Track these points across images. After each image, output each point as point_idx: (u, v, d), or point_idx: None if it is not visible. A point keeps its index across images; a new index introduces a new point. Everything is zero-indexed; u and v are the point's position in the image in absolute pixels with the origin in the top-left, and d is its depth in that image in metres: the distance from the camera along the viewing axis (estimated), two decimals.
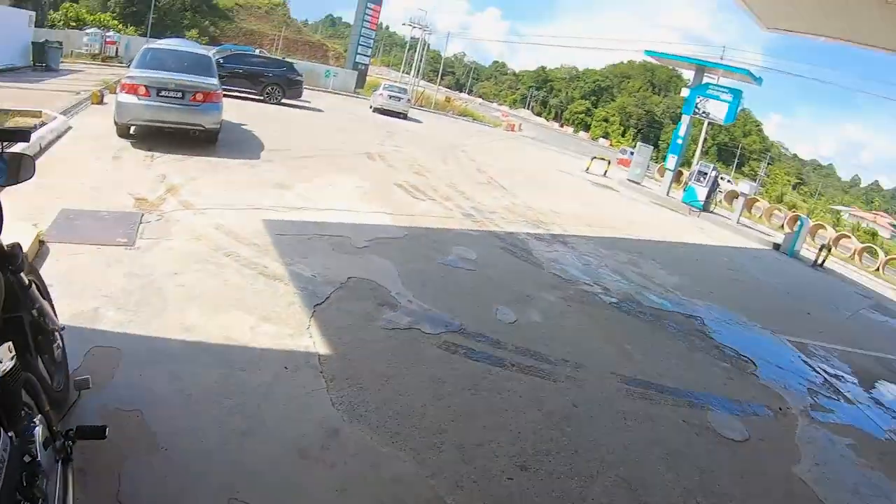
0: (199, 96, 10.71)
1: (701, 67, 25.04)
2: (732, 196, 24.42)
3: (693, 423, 5.12)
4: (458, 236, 8.91)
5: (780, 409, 6.10)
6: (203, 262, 5.91)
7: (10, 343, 2.18)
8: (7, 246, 2.50)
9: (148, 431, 3.45)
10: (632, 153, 34.96)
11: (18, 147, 5.48)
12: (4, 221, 2.51)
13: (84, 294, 4.77)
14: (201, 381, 4.00)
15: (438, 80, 64.11)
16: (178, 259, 5.86)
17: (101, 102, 14.41)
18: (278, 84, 22.65)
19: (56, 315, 3.26)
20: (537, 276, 7.95)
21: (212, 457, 3.30)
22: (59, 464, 2.53)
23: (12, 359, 2.15)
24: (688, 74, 27.42)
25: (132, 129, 10.90)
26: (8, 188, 2.92)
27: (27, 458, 2.13)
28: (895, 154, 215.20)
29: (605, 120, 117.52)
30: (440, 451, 3.78)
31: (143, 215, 6.87)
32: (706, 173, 22.41)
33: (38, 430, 2.28)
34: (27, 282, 2.74)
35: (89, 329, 4.33)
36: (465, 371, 4.91)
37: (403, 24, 52.05)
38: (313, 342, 4.79)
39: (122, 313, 4.67)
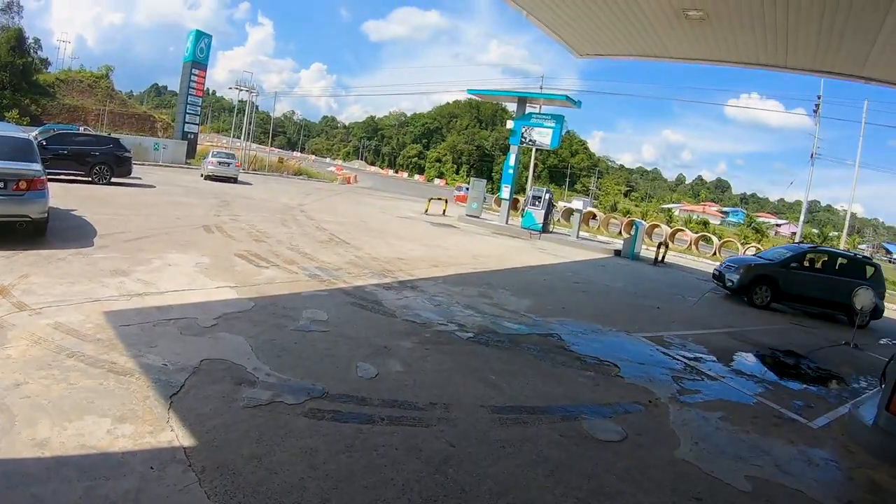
0: (23, 184, 9.72)
1: (523, 99, 26.67)
2: (569, 213, 25.89)
3: (570, 435, 5.34)
4: (307, 299, 8.81)
5: (650, 401, 6.53)
6: (46, 367, 5.44)
7: None
8: None
9: None
10: (467, 189, 36.19)
11: None
12: None
13: None
14: (65, 499, 3.70)
15: (270, 142, 63.63)
16: (19, 368, 5.34)
17: None
18: (106, 163, 21.61)
19: None
20: (391, 326, 8.01)
21: None
22: None
23: None
24: (512, 107, 28.97)
25: None
26: None
27: None
28: (710, 149, 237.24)
29: (438, 160, 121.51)
30: None
31: None
32: (540, 197, 23.80)
33: None
34: None
35: None
36: (335, 435, 4.84)
37: (230, 88, 51.59)
38: (176, 435, 4.54)
39: None
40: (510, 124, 26.28)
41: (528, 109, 26.07)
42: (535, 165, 30.23)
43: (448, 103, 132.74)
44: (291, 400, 5.40)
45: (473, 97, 34.65)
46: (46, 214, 10.41)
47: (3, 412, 4.65)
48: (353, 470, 4.36)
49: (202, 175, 30.25)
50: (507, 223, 24.39)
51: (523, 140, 25.22)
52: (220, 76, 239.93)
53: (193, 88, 44.79)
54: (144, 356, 5.93)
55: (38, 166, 10.48)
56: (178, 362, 5.89)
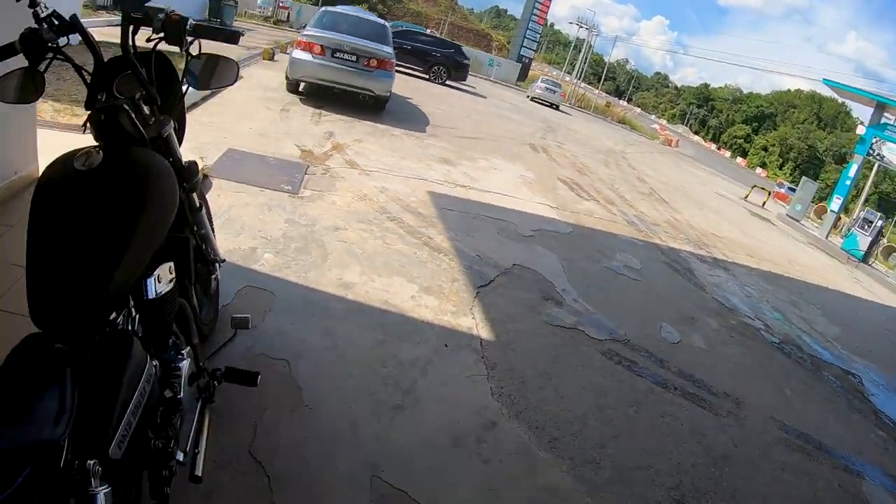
0: (373, 62, 10.87)
1: (882, 105, 22.74)
2: (890, 251, 22.22)
3: (849, 491, 4.55)
4: (622, 243, 8.48)
5: None
6: (367, 222, 5.89)
7: (172, 264, 2.08)
8: (185, 162, 2.28)
9: (293, 385, 3.33)
10: (790, 188, 33.08)
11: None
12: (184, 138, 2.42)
13: (243, 232, 4.81)
14: (356, 343, 3.89)
15: (600, 85, 62.85)
16: (341, 215, 5.87)
17: (272, 59, 15.03)
18: (444, 65, 22.82)
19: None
20: (700, 299, 7.42)
21: (358, 427, 3.14)
22: (199, 403, 2.44)
23: (171, 281, 2.05)
24: (862, 112, 25.24)
25: (302, 86, 11.17)
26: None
27: (168, 393, 2.01)
28: None
29: (765, 149, 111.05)
30: (599, 468, 3.45)
31: (308, 167, 6.97)
32: (872, 221, 20.49)
33: (185, 364, 2.14)
34: (198, 204, 2.59)
35: (244, 268, 4.34)
36: (628, 385, 4.56)
37: (570, 23, 51.55)
38: (476, 324, 4.58)
39: (279, 258, 4.66)
40: (861, 129, 22.75)
41: (884, 119, 22.45)
42: (868, 186, 26.25)
43: (788, 90, 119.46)
44: (593, 334, 5.19)
45: (826, 89, 30.49)
46: (389, 94, 11.46)
47: (319, 247, 5.08)
48: (636, 427, 4.07)
49: (528, 96, 31.39)
50: (826, 238, 21.71)
51: (870, 153, 21.95)
52: (561, 11, 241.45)
53: (536, 15, 45.44)
54: (460, 242, 6.09)
55: (389, 49, 11.50)
56: (491, 258, 5.99)
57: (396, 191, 7.05)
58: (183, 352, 2.24)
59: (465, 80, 23.63)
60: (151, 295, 1.96)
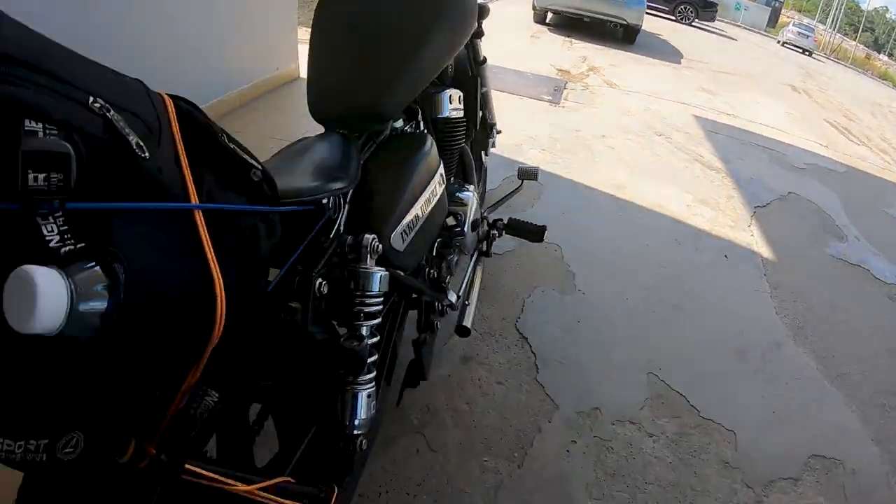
0: None
1: None
2: None
3: None
4: None
5: None
6: (632, 133, 5.54)
7: (461, 94, 2.04)
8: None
9: (565, 269, 3.15)
10: None
11: None
12: None
13: (509, 130, 4.62)
14: (629, 239, 3.63)
15: (857, 36, 55.90)
16: (605, 125, 5.57)
17: None
18: (691, 4, 21.26)
19: None
20: None
21: (634, 319, 2.94)
22: (475, 255, 2.31)
23: (460, 110, 1.99)
24: None
25: (549, 17, 10.79)
26: None
27: (451, 222, 1.95)
28: None
29: None
30: (888, 416, 2.85)
31: (566, 83, 6.71)
32: None
33: (470, 197, 2.01)
34: (482, 57, 2.48)
35: (510, 159, 4.23)
36: None
37: None
38: (754, 241, 4.08)
39: (547, 154, 4.47)
40: None
41: None
42: None
43: None
44: (879, 275, 4.42)
45: None
46: (640, 24, 10.77)
47: (585, 150, 4.87)
48: None
49: (778, 41, 28.61)
50: None
51: None
52: None
53: None
54: (732, 163, 5.54)
55: None
56: (765, 182, 5.37)
57: (659, 110, 6.59)
58: (468, 186, 2.09)
59: (712, 21, 21.89)
60: (445, 112, 1.87)
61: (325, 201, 1.15)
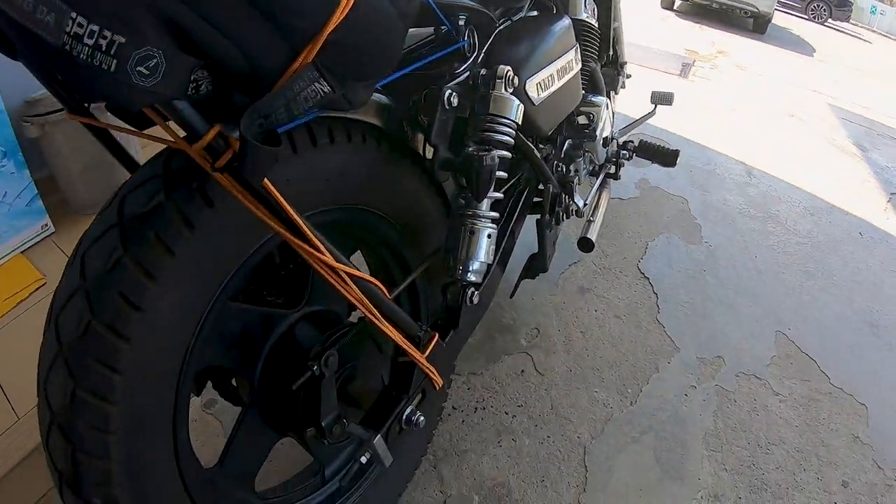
0: None
1: None
2: None
3: None
4: None
5: None
6: (763, 111, 5.21)
7: (595, 6, 1.95)
8: None
9: (691, 221, 2.92)
10: None
11: None
12: None
13: (636, 94, 4.34)
14: (757, 203, 3.34)
15: None
16: (735, 100, 5.26)
17: None
18: (826, 2, 19.91)
19: None
20: None
21: (763, 279, 2.69)
22: (603, 173, 2.15)
23: (593, 20, 1.90)
24: None
25: (677, 3, 10.32)
26: None
27: (583, 121, 1.83)
28: None
29: None
30: None
31: (694, 61, 6.33)
32: None
33: (604, 105, 1.88)
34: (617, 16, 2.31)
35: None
36: None
37: None
38: (891, 224, 3.67)
39: (673, 116, 4.14)
40: None
41: None
42: None
43: None
44: None
45: None
46: (772, 14, 10.08)
47: (713, 118, 4.58)
48: None
49: None
50: None
51: None
52: None
53: None
54: (867, 151, 5.08)
55: None
56: None
57: (790, 94, 6.15)
58: (601, 96, 1.92)
59: (846, 21, 20.45)
60: (581, 14, 1.77)
61: (461, 24, 1.10)
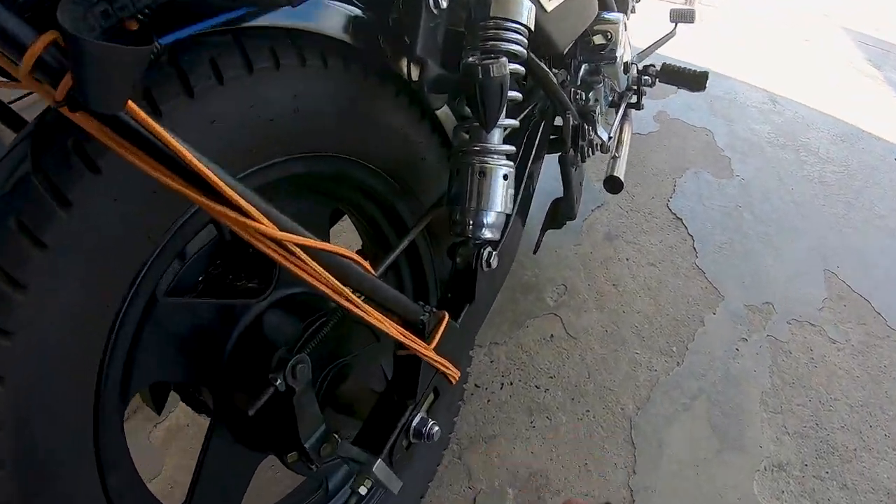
0: None
1: None
2: None
3: None
4: None
5: None
6: (776, 37, 4.84)
7: None
8: None
9: (718, 153, 2.63)
10: None
11: None
12: None
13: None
14: (788, 131, 3.03)
15: None
16: (747, 26, 4.92)
17: None
18: None
19: None
20: None
21: (802, 213, 2.38)
22: (624, 104, 1.85)
23: None
24: None
25: None
26: None
27: (599, 40, 1.51)
28: None
29: None
30: None
31: None
32: None
33: (622, 24, 1.57)
34: None
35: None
36: None
37: None
38: None
39: (686, 44, 3.81)
40: None
41: None
42: None
43: None
44: None
45: None
46: None
47: (727, 47, 4.27)
48: None
49: None
50: None
51: None
52: None
53: None
54: (887, 72, 4.76)
55: None
56: None
57: (802, 18, 5.79)
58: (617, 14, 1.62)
59: None
60: None
61: None
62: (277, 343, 0.83)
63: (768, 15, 5.57)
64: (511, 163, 0.88)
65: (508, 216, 0.95)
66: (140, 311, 0.65)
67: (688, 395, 1.57)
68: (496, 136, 0.87)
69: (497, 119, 0.81)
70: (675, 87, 2.92)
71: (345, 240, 1.72)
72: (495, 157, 0.86)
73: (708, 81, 2.27)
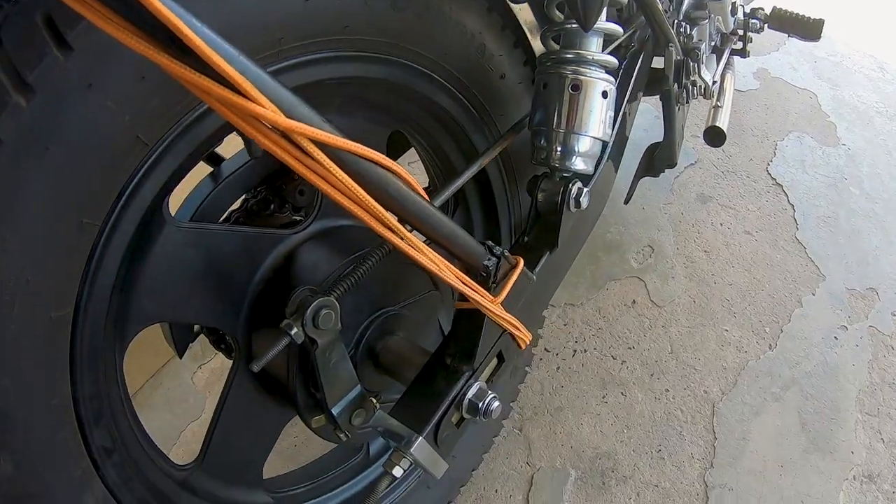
0: None
1: None
2: None
3: None
4: None
5: None
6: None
7: None
8: None
9: (823, 118, 2.34)
10: None
11: None
12: None
13: None
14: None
15: None
16: None
17: None
18: None
19: None
20: None
21: None
22: (727, 51, 1.64)
23: None
24: None
25: None
26: None
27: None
28: None
29: None
30: None
31: None
32: None
33: None
34: None
35: None
36: None
37: None
38: None
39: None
40: None
41: None
42: None
43: None
44: None
45: None
46: None
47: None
48: None
49: None
50: None
51: None
52: None
53: None
54: None
55: None
56: None
57: None
58: None
59: None
60: None
61: None
62: (306, 283, 0.66)
63: None
64: (612, 78, 0.70)
65: (605, 145, 0.77)
66: (134, 233, 0.52)
67: (779, 384, 1.36)
68: (594, 42, 0.69)
69: (598, 15, 0.62)
70: (778, 42, 2.62)
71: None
72: (593, 68, 0.68)
73: (807, 43, 1.99)
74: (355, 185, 0.43)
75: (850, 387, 1.40)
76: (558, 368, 1.29)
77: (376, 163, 0.46)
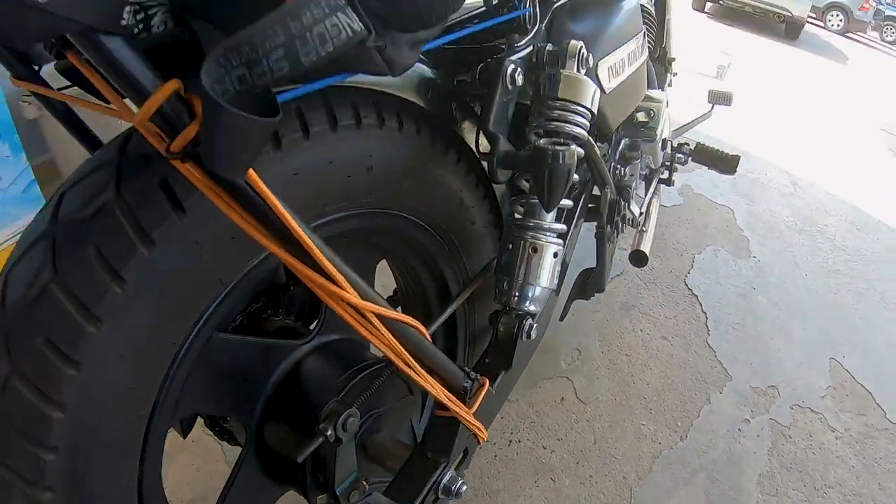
0: None
1: None
2: None
3: None
4: None
5: None
6: (803, 121, 4.78)
7: None
8: None
9: (738, 234, 2.65)
10: None
11: None
12: None
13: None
14: (807, 216, 3.02)
15: None
16: (774, 106, 4.86)
17: None
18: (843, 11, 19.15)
19: None
20: None
21: (814, 299, 2.38)
22: (654, 180, 1.87)
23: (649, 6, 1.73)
24: None
25: (707, 6, 9.86)
26: None
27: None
28: None
29: None
30: None
31: (729, 64, 5.93)
32: None
33: (665, 102, 1.60)
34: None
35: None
36: None
37: None
38: None
39: (713, 119, 3.84)
40: None
41: None
42: None
43: None
44: None
45: None
46: (804, 20, 9.59)
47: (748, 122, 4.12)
48: None
49: None
50: None
51: None
52: None
53: None
54: None
55: None
56: None
57: (831, 103, 5.75)
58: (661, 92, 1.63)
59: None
60: None
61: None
62: (320, 390, 0.84)
63: (795, 93, 5.56)
64: (561, 241, 0.90)
65: (553, 291, 0.95)
66: (198, 348, 0.63)
67: (689, 470, 1.56)
68: (552, 214, 0.89)
69: (559, 201, 0.83)
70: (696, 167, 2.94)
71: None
72: (549, 234, 0.88)
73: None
74: (393, 340, 0.62)
75: (752, 472, 1.61)
76: (496, 456, 1.48)
77: (408, 324, 0.65)
